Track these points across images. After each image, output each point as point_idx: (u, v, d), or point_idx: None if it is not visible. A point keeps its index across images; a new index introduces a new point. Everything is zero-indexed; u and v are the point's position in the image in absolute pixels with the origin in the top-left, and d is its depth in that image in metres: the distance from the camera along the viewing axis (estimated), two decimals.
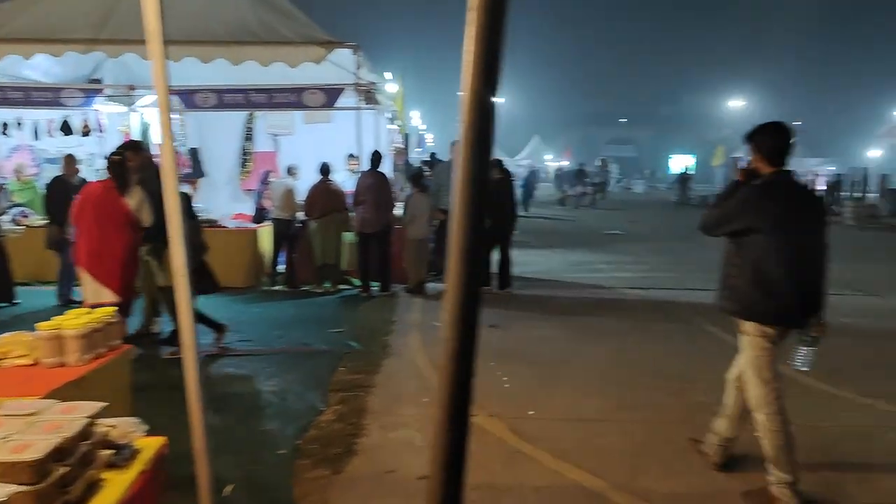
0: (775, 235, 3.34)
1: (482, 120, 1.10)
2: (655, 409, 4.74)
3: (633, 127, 76.36)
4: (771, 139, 3.44)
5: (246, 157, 11.28)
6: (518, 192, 25.59)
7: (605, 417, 4.57)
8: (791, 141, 3.43)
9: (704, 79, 76.87)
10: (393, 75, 15.57)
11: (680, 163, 47.94)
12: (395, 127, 12.21)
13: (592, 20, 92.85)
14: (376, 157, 8.61)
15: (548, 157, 60.05)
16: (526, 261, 11.74)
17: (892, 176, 30.09)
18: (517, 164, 50.53)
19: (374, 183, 8.42)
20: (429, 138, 41.38)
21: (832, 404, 4.88)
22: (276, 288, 8.91)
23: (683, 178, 33.54)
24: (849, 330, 7.22)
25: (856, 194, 28.08)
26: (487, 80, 1.09)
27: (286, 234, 8.86)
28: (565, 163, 48.96)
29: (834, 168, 44.17)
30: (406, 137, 15.91)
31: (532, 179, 30.38)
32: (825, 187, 31.08)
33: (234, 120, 10.91)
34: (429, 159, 13.15)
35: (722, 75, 72.74)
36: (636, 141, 73.81)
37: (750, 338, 3.49)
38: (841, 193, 28.17)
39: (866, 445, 4.22)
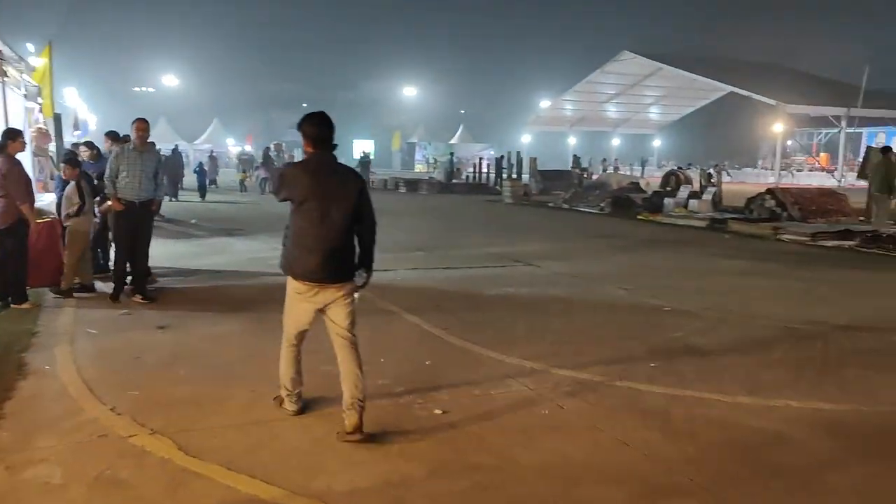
0: (308, 205, 3.93)
1: None
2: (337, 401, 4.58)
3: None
4: (312, 127, 4.01)
5: None
6: (194, 178, 24.08)
7: (284, 417, 4.28)
8: (329, 128, 4.02)
9: (381, 67, 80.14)
10: (43, 48, 13.36)
11: (360, 148, 49.30)
12: (35, 104, 10.48)
13: (270, 2, 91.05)
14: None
15: (229, 140, 57.75)
16: (199, 251, 10.97)
17: (541, 158, 34.31)
18: (195, 149, 47.82)
19: None
20: (93, 120, 37.03)
21: (498, 369, 5.18)
22: None
23: (363, 163, 34.51)
24: (515, 298, 7.89)
25: (513, 175, 31.39)
26: None
27: None
28: (248, 147, 47.53)
29: (493, 152, 49.07)
30: (58, 118, 13.88)
31: (212, 164, 28.87)
32: (486, 169, 34.39)
33: None
34: (84, 142, 11.53)
35: (396, 64, 76.51)
36: None
37: (288, 289, 4.11)
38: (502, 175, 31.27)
39: (529, 411, 4.50)
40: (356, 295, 4.12)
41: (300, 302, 4.06)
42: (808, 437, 4.09)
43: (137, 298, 7.28)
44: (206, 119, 58.83)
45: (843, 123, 37.24)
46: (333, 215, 3.96)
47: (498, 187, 28.99)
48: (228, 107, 68.31)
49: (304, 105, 77.19)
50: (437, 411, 4.35)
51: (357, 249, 4.13)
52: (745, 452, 3.87)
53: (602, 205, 20.22)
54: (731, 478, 3.58)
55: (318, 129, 4.00)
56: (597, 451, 3.87)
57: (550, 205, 22.34)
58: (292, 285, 4.06)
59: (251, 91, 76.53)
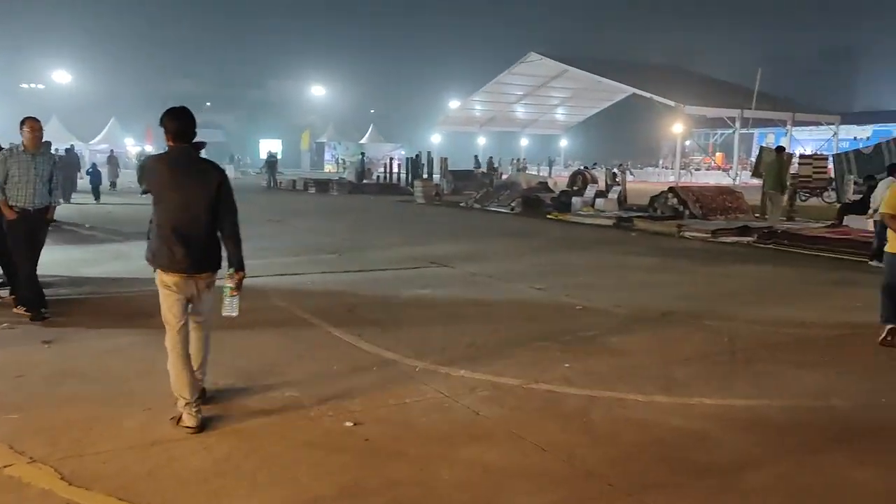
0: (167, 196, 4.03)
1: None
2: (239, 418, 4.29)
3: (220, 111, 74.61)
4: (171, 121, 4.04)
5: None
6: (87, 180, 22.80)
7: (184, 436, 3.96)
8: (188, 121, 4.05)
9: (289, 65, 78.56)
10: None
11: (267, 147, 48.07)
12: None
13: None
14: None
15: (128, 140, 55.23)
16: (93, 258, 10.28)
17: (452, 158, 34.41)
18: (91, 149, 45.43)
19: None
20: None
21: (414, 375, 5.00)
22: None
23: (270, 163, 33.72)
24: (430, 301, 7.73)
25: (425, 176, 31.29)
26: None
27: None
28: (149, 147, 45.58)
29: (403, 152, 48.92)
30: None
31: (111, 166, 27.48)
32: (398, 169, 34.19)
33: None
34: None
35: (305, 63, 75.17)
36: (224, 125, 72.22)
37: (158, 284, 4.10)
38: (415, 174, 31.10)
39: (447, 419, 4.34)
40: (235, 303, 4.18)
41: (172, 296, 4.07)
42: (725, 434, 4.10)
43: (20, 310, 6.68)
44: (102, 118, 55.89)
45: (737, 124, 39.09)
46: (193, 207, 4.02)
47: (410, 187, 28.84)
48: (127, 105, 65.21)
49: (208, 104, 74.89)
50: (350, 424, 4.13)
51: (224, 243, 4.19)
52: (665, 453, 3.84)
53: (513, 204, 20.38)
54: (653, 481, 3.53)
55: (178, 122, 4.04)
56: (518, 459, 3.75)
57: (462, 205, 22.36)
58: (160, 277, 4.09)
59: (151, 89, 73.37)
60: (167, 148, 4.12)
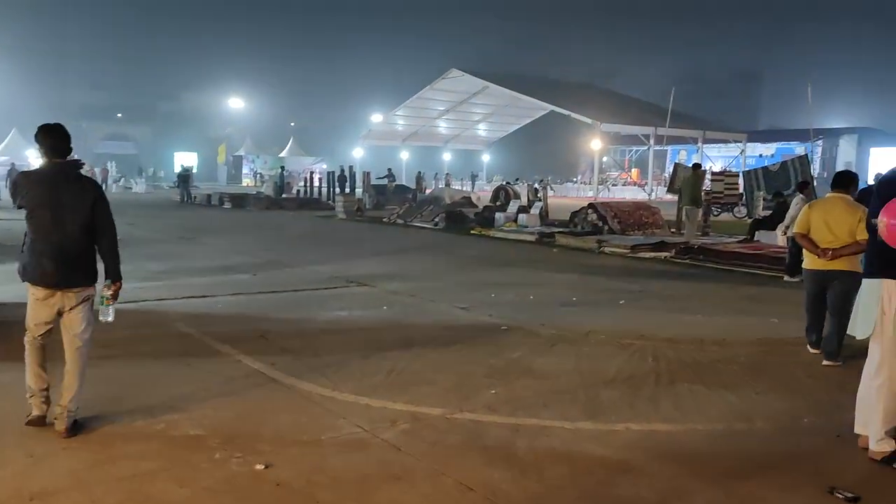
0: (39, 212, 4.07)
1: None
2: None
3: (131, 123, 71.98)
4: (45, 137, 4.10)
5: None
6: None
7: (69, 484, 3.54)
8: (63, 138, 4.11)
9: (206, 77, 76.41)
10: None
11: (182, 161, 46.44)
12: None
13: (81, 4, 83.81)
14: None
15: (30, 152, 52.38)
16: None
17: (375, 173, 34.08)
18: None
19: None
20: None
21: (330, 408, 4.70)
22: None
23: (183, 177, 32.56)
24: (349, 323, 7.42)
25: (346, 191, 30.88)
26: None
27: None
28: (19, 162, 43.29)
29: (325, 166, 48.26)
30: None
31: (10, 179, 25.90)
32: (319, 184, 33.62)
33: None
34: None
35: (222, 75, 73.23)
36: (136, 137, 69.71)
37: (28, 294, 4.19)
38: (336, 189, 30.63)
39: (365, 457, 4.06)
40: (111, 310, 4.33)
41: (39, 307, 4.16)
42: (651, 464, 3.97)
43: None
44: (2, 129, 52.90)
45: (652, 141, 40.24)
46: (66, 223, 4.07)
47: (331, 202, 28.35)
48: (30, 116, 61.98)
49: (119, 115, 72.09)
50: (260, 466, 3.79)
51: (102, 259, 4.29)
52: (590, 489, 3.67)
53: (436, 220, 20.24)
54: None
55: (51, 138, 4.11)
56: (439, 500, 3.51)
57: (385, 220, 22.06)
58: (30, 290, 4.17)
59: (57, 100, 69.95)
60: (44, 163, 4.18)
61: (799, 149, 40.97)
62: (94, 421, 4.35)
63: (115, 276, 4.30)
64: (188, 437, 4.20)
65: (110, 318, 4.36)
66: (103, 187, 4.90)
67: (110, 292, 4.30)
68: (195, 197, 32.02)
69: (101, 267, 4.32)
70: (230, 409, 4.69)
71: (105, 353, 5.61)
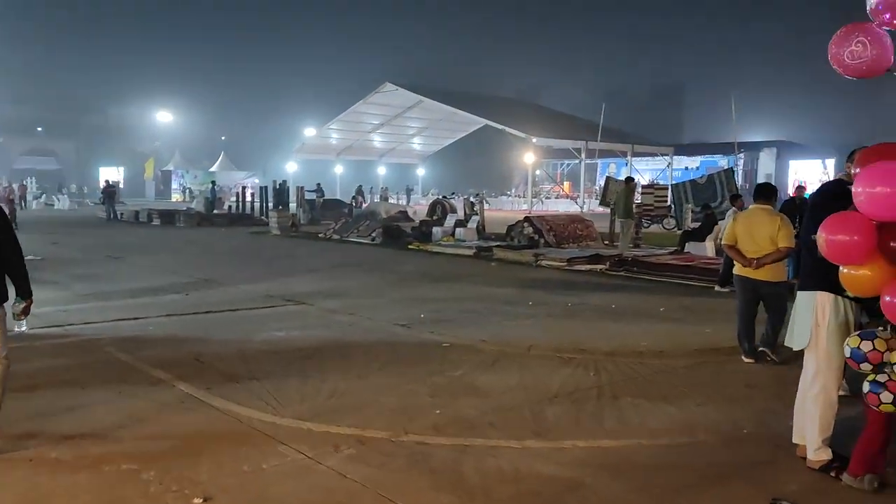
0: None
1: None
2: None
3: (54, 137, 69.23)
4: None
5: None
6: None
7: None
8: None
9: (132, 91, 74.33)
10: None
11: (108, 176, 44.78)
12: None
13: (1, 15, 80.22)
14: None
15: None
16: None
17: (309, 187, 33.61)
18: None
19: None
20: None
21: (271, 433, 4.54)
22: None
23: (110, 193, 31.44)
24: (287, 344, 7.22)
25: (280, 206, 30.33)
26: None
27: None
28: None
29: (257, 180, 47.45)
30: None
31: None
32: (251, 199, 32.99)
33: None
34: None
35: (149, 88, 71.42)
36: (58, 153, 67.10)
37: None
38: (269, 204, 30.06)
39: (309, 485, 3.92)
40: (23, 323, 4.56)
41: None
42: (598, 481, 3.97)
43: None
44: None
45: (583, 155, 41.07)
46: None
47: (264, 217, 27.82)
48: None
49: (39, 129, 69.26)
50: (198, 500, 3.62)
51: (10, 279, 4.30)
52: None
53: (373, 235, 20.07)
54: None
55: None
56: None
57: (321, 235, 21.75)
58: None
59: None
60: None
61: (722, 161, 42.52)
62: (16, 456, 4.09)
63: (25, 294, 4.32)
64: (120, 470, 3.98)
65: (24, 329, 4.57)
66: (21, 204, 4.82)
67: (21, 308, 4.34)
68: (122, 214, 30.98)
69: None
70: (165, 439, 4.48)
71: (28, 382, 5.33)
